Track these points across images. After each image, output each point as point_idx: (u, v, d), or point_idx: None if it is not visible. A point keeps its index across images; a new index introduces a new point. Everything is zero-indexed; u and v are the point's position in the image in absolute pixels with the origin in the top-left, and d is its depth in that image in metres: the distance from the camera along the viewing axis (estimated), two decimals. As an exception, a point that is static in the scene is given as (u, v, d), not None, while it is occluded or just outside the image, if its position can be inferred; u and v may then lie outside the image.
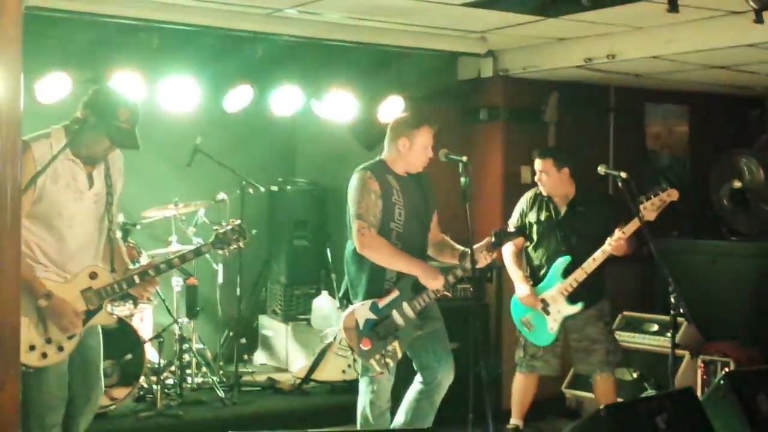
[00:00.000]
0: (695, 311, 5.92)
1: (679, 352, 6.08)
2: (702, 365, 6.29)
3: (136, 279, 4.13)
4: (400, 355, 4.74)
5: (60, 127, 4.04)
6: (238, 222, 4.43)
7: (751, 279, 6.71)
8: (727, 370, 5.90)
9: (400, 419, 4.81)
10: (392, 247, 4.70)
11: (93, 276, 4.06)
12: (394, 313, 4.69)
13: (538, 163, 5.81)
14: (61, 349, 3.98)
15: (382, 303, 4.70)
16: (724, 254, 6.94)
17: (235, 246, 4.38)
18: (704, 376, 6.25)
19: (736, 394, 4.16)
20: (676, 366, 6.00)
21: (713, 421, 4.04)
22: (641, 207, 5.33)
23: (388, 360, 4.70)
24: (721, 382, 4.26)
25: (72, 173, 4.00)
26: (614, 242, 5.43)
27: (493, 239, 4.86)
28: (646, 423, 3.84)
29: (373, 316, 4.70)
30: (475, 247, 4.71)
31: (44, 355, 3.93)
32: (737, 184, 7.27)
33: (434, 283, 4.68)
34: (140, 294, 4.26)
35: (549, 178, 5.75)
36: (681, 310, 5.11)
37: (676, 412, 3.95)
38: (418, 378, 4.87)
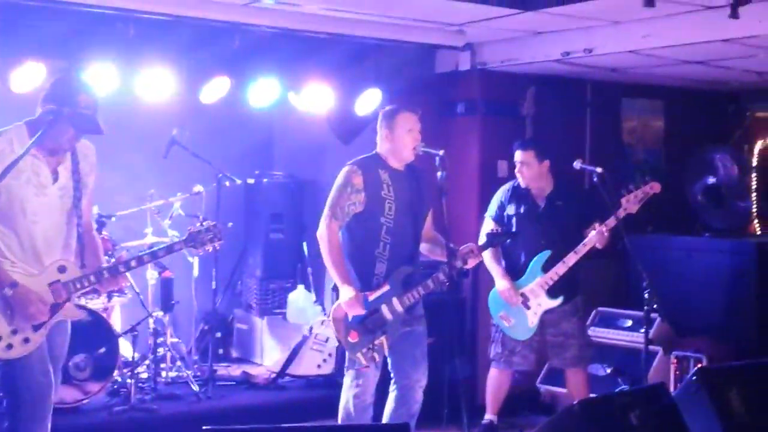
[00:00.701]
0: (669, 307, 5.98)
1: (652, 347, 6.11)
2: (675, 361, 6.33)
3: (105, 274, 4.09)
4: (387, 349, 4.73)
5: (21, 124, 4.02)
6: (213, 223, 4.33)
7: (724, 275, 6.75)
8: (699, 366, 5.93)
9: None
10: (337, 250, 4.71)
11: (62, 269, 4.03)
12: (383, 307, 4.68)
13: (519, 155, 5.80)
14: (27, 340, 3.95)
15: (372, 296, 4.69)
16: (698, 250, 6.98)
17: (209, 247, 4.28)
18: (677, 372, 6.28)
19: (709, 390, 4.17)
20: (649, 362, 6.03)
21: (686, 417, 4.06)
22: (623, 200, 5.42)
23: (374, 354, 4.69)
24: (694, 378, 4.27)
25: (34, 168, 3.97)
26: (597, 235, 5.45)
27: (485, 240, 4.97)
28: (619, 418, 3.85)
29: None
30: (463, 249, 4.73)
31: (9, 347, 3.91)
32: (711, 180, 7.31)
33: (351, 309, 4.62)
34: (107, 288, 4.22)
35: (530, 170, 5.76)
36: (654, 306, 5.15)
37: (649, 408, 3.96)
38: (391, 386, 4.84)
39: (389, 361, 4.84)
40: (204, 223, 4.32)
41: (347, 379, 4.81)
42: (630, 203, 5.45)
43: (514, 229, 5.71)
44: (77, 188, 4.10)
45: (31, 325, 3.95)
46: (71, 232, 4.13)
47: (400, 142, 4.78)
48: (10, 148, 3.91)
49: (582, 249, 5.57)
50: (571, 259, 5.59)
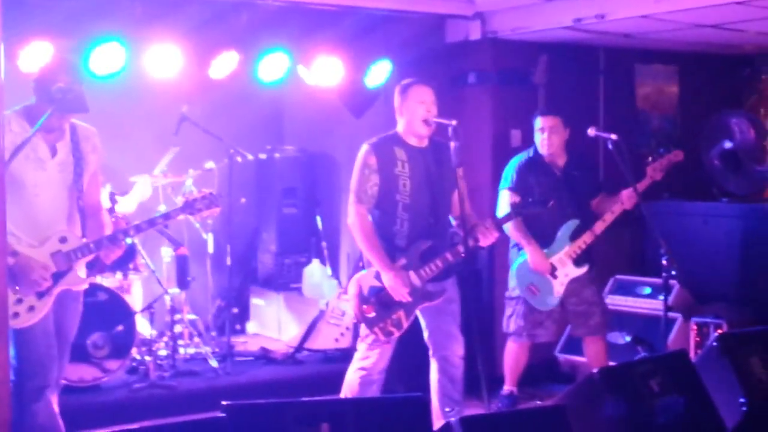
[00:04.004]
0: (687, 273, 5.95)
1: (671, 314, 6.09)
2: (695, 327, 6.30)
3: (105, 242, 4.18)
4: (405, 324, 4.72)
5: (19, 108, 4.14)
6: (210, 191, 4.48)
7: (742, 239, 6.70)
8: (720, 332, 5.90)
9: (434, 404, 4.76)
10: (371, 234, 4.69)
11: (63, 240, 4.13)
12: None
13: (545, 120, 5.73)
14: (32, 308, 4.03)
15: None
16: (715, 215, 6.93)
17: (206, 213, 4.43)
18: (697, 338, 6.26)
19: (730, 356, 4.16)
20: (669, 329, 6.01)
21: (707, 383, 4.04)
22: (649, 168, 5.60)
23: (392, 328, 4.68)
24: (714, 344, 4.25)
25: (31, 145, 4.05)
26: (627, 200, 5.53)
27: (509, 210, 5.01)
28: (640, 386, 3.84)
29: (377, 284, 4.68)
30: (481, 223, 4.73)
31: (16, 315, 3.97)
32: (728, 144, 7.24)
33: (394, 292, 4.63)
34: (108, 257, 4.25)
35: (559, 136, 5.72)
36: (673, 273, 5.13)
37: (670, 375, 3.95)
38: (430, 358, 4.85)
39: (425, 333, 4.84)
40: (202, 190, 4.50)
41: (357, 354, 4.83)
42: (656, 171, 5.59)
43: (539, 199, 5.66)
44: (78, 164, 4.21)
45: (35, 293, 4.03)
46: (74, 205, 4.22)
47: (412, 115, 4.75)
48: (9, 129, 4.03)
49: (610, 217, 5.63)
50: (600, 227, 5.64)
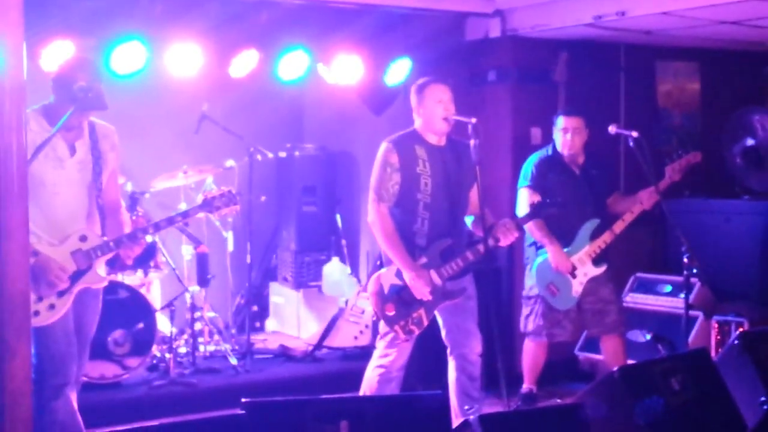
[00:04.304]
0: (708, 271, 5.90)
1: (692, 312, 6.05)
2: (716, 325, 6.26)
3: (125, 240, 4.20)
4: (426, 322, 4.72)
5: (37, 107, 4.16)
6: (228, 189, 4.49)
7: (764, 237, 6.65)
8: (741, 330, 5.86)
9: (453, 402, 4.76)
10: (392, 232, 4.68)
11: (83, 239, 4.15)
12: None
13: (569, 121, 5.70)
14: (52, 307, 4.06)
15: None
16: (737, 213, 6.88)
17: (225, 211, 4.44)
18: (718, 337, 6.21)
19: (751, 354, 4.13)
20: (689, 327, 5.97)
21: (728, 382, 4.02)
22: (668, 168, 5.58)
23: (413, 327, 4.69)
24: (736, 342, 4.23)
25: (51, 144, 4.07)
26: (647, 200, 5.55)
27: (530, 210, 4.99)
28: (661, 384, 3.82)
29: (398, 282, 4.69)
30: (499, 226, 4.70)
31: (36, 313, 4.00)
32: (750, 141, 7.19)
33: (416, 290, 4.63)
34: (128, 255, 4.28)
35: (579, 137, 5.71)
36: (694, 271, 5.10)
37: (691, 373, 3.93)
38: (448, 356, 4.84)
39: (443, 332, 4.83)
40: (221, 188, 4.50)
41: (376, 351, 4.84)
42: (675, 172, 5.59)
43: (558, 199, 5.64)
44: (97, 163, 4.23)
45: (55, 292, 4.06)
46: (93, 203, 4.25)
47: (432, 116, 4.74)
48: (28, 128, 4.01)
49: (629, 217, 5.63)
50: (619, 227, 5.63)
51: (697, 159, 5.64)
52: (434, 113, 4.73)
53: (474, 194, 4.82)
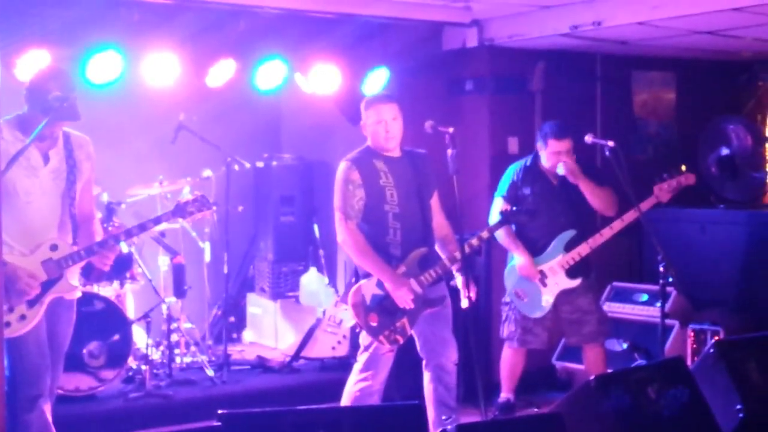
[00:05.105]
0: (684, 280, 5.93)
1: (668, 321, 6.08)
2: (692, 334, 6.28)
3: (95, 248, 4.18)
4: (409, 331, 4.72)
5: (10, 117, 4.16)
6: (200, 194, 4.50)
7: (740, 246, 6.69)
8: (717, 338, 5.89)
9: (430, 412, 4.74)
10: (365, 247, 4.68)
11: (54, 248, 4.13)
12: None
13: (560, 144, 5.61)
14: (23, 317, 4.03)
15: None
16: (712, 222, 6.92)
17: (199, 216, 4.44)
18: (694, 345, 6.24)
19: (727, 363, 4.15)
20: (666, 335, 5.99)
21: (704, 390, 4.03)
22: (656, 188, 5.44)
23: (397, 336, 4.68)
24: (711, 350, 4.25)
25: (24, 153, 4.03)
26: (628, 217, 5.47)
27: (500, 218, 5.02)
28: (637, 393, 3.83)
29: (380, 292, 4.68)
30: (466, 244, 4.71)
31: (7, 324, 3.96)
32: (725, 151, 7.24)
33: (399, 299, 4.63)
34: (101, 262, 4.26)
35: (571, 157, 5.65)
36: (670, 280, 5.11)
37: (667, 382, 3.94)
38: (424, 368, 4.83)
39: (417, 343, 4.83)
40: (193, 193, 4.52)
41: (357, 365, 4.81)
42: (663, 192, 5.45)
43: (528, 207, 5.64)
44: (71, 172, 4.22)
45: (25, 302, 4.03)
46: (66, 213, 4.23)
47: (374, 133, 4.78)
48: (1, 137, 4.07)
49: (608, 232, 5.57)
50: (597, 241, 5.59)
51: (690, 181, 5.49)
52: (376, 133, 4.77)
53: (434, 204, 4.88)
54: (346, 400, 4.80)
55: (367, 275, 4.73)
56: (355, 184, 4.71)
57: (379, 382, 4.77)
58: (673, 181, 5.45)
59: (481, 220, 5.97)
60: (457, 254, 4.67)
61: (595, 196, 5.61)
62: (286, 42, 6.43)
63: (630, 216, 5.48)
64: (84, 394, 5.72)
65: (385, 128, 4.74)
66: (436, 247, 4.90)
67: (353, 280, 4.88)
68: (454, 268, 4.75)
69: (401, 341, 4.71)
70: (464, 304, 4.65)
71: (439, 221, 4.91)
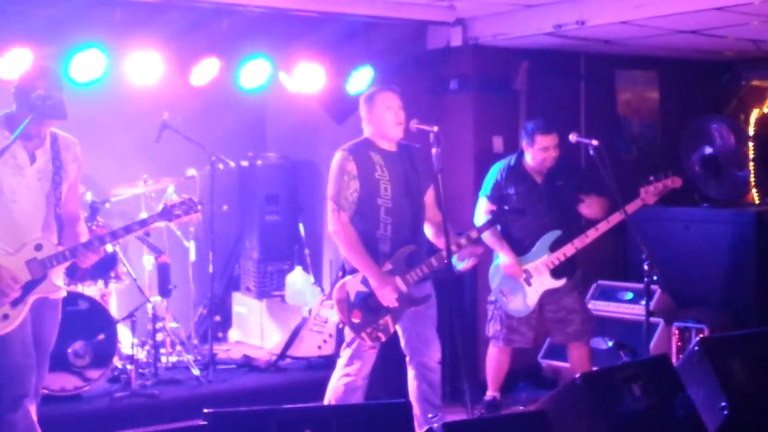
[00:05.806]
0: (669, 278, 5.96)
1: (653, 319, 6.10)
2: (676, 332, 6.32)
3: (80, 249, 4.16)
4: (392, 329, 4.72)
5: None
6: (189, 197, 4.46)
7: (724, 245, 6.73)
8: (701, 336, 5.92)
9: (415, 410, 4.73)
10: (355, 241, 4.68)
11: (38, 248, 4.11)
12: None
13: (548, 140, 5.61)
14: (6, 317, 4.01)
15: None
16: (696, 221, 6.95)
17: (186, 219, 4.42)
18: (679, 343, 6.28)
19: (711, 360, 4.17)
20: (650, 334, 6.02)
21: (688, 387, 4.05)
22: (642, 190, 5.44)
23: (379, 334, 4.69)
24: (696, 348, 4.27)
25: (10, 151, 4.05)
26: (614, 219, 5.48)
27: (489, 218, 5.03)
28: (622, 390, 3.85)
29: (364, 289, 4.68)
30: (463, 251, 4.76)
31: None
32: (708, 150, 7.28)
33: (383, 297, 4.63)
34: (84, 262, 4.23)
35: (558, 152, 5.66)
36: (654, 278, 5.13)
37: (652, 379, 3.96)
38: (408, 366, 4.84)
39: (402, 341, 4.83)
40: (181, 196, 4.47)
41: (341, 360, 4.82)
42: (649, 194, 5.45)
43: (516, 206, 5.65)
44: (57, 173, 4.21)
45: (7, 302, 4.01)
46: (51, 213, 4.21)
47: (384, 123, 4.77)
48: None
49: (593, 234, 5.58)
50: (582, 242, 5.60)
51: (676, 184, 5.49)
52: (385, 119, 4.75)
53: (429, 198, 4.87)
54: (330, 395, 4.81)
55: (354, 271, 4.73)
56: (351, 175, 4.70)
57: (362, 377, 4.78)
58: (659, 184, 5.45)
59: (466, 218, 5.98)
60: (463, 241, 4.72)
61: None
62: (271, 41, 6.42)
63: (616, 218, 5.49)
64: (69, 394, 5.70)
65: (395, 113, 4.74)
66: (431, 236, 4.90)
67: (340, 274, 4.89)
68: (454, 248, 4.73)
69: (383, 339, 4.71)
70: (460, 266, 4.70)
71: (433, 212, 4.89)
